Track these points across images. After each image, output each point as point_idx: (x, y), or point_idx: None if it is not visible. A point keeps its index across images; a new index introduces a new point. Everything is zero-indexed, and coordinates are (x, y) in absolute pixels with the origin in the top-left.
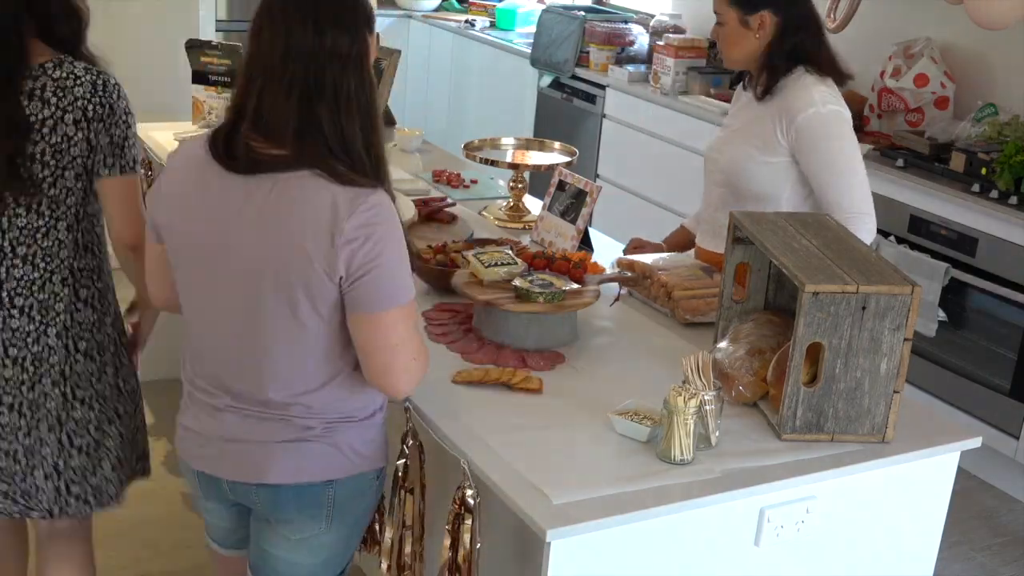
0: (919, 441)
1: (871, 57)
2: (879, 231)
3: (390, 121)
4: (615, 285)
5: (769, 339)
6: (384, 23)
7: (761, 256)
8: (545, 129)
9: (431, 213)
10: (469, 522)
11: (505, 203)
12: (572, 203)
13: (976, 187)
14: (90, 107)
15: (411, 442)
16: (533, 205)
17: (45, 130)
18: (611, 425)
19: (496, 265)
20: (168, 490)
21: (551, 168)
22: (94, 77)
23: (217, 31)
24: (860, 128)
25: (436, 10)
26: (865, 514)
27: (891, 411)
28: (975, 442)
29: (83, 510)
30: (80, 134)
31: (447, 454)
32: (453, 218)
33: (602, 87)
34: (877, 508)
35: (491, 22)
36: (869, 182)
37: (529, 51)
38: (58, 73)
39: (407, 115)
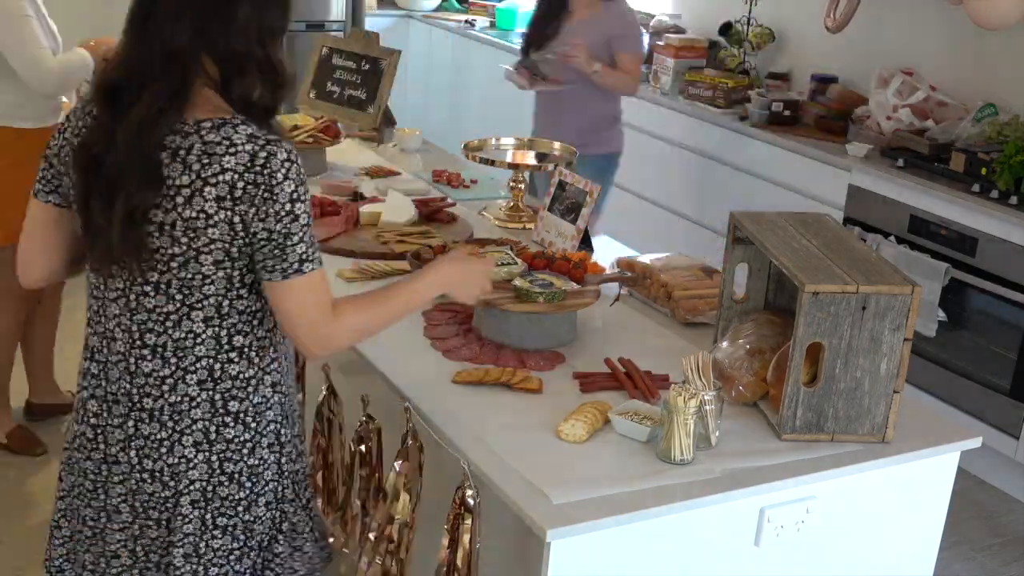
0: (919, 441)
1: (871, 58)
2: (879, 231)
3: (390, 121)
4: (615, 285)
5: (769, 339)
6: (384, 23)
7: (761, 256)
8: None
9: (431, 213)
10: (469, 522)
11: (505, 203)
12: (572, 203)
13: (976, 187)
14: (240, 184)
15: (411, 442)
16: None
17: (180, 199)
18: (611, 425)
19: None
20: None
21: (548, 167)
22: (256, 148)
23: None
24: (858, 127)
25: (436, 10)
26: (865, 514)
27: (891, 411)
28: (975, 442)
29: None
30: (222, 214)
31: (447, 454)
32: (453, 218)
33: None
34: (877, 508)
35: (491, 22)
36: (868, 182)
37: None
38: (212, 136)
39: (407, 115)
